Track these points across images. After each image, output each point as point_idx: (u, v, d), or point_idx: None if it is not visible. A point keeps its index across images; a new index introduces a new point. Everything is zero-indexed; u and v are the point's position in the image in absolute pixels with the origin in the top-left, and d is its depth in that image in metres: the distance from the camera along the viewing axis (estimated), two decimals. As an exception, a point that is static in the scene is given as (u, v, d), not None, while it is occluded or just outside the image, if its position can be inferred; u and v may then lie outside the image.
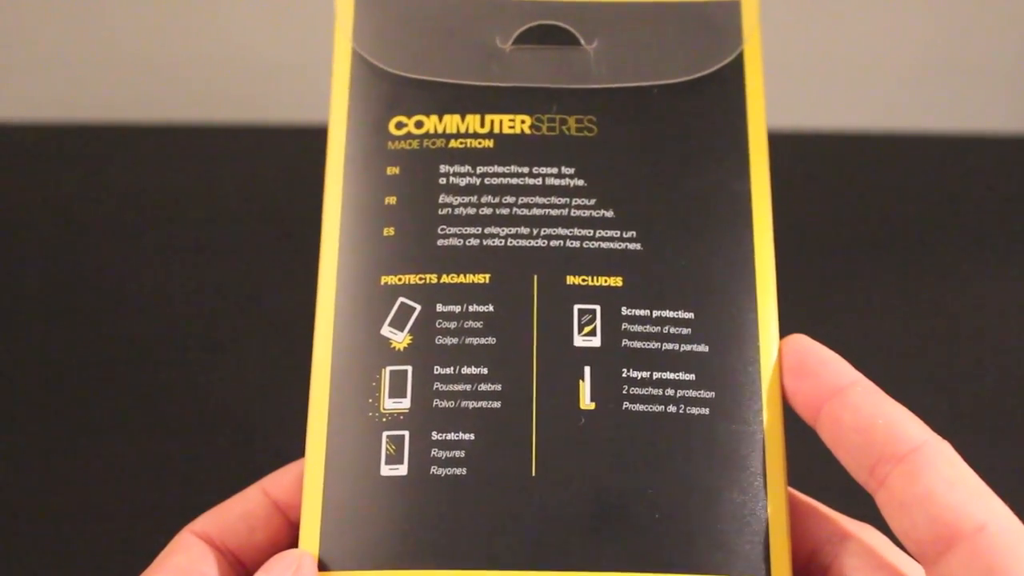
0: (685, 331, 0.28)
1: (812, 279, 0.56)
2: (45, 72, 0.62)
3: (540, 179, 0.29)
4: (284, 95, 0.62)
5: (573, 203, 0.29)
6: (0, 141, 0.61)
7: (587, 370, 0.27)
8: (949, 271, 0.57)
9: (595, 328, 0.28)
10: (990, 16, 0.62)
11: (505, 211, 0.29)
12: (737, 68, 0.30)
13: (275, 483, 0.29)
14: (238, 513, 0.28)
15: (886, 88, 0.64)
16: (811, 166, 0.62)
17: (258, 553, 0.28)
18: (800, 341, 0.27)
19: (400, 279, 0.28)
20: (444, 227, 0.29)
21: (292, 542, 0.28)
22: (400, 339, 0.28)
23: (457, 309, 0.28)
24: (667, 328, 0.28)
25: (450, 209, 0.29)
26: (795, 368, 0.27)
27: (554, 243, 0.29)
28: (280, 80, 0.62)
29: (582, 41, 0.31)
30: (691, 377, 0.28)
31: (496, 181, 0.29)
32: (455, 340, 0.28)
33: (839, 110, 0.64)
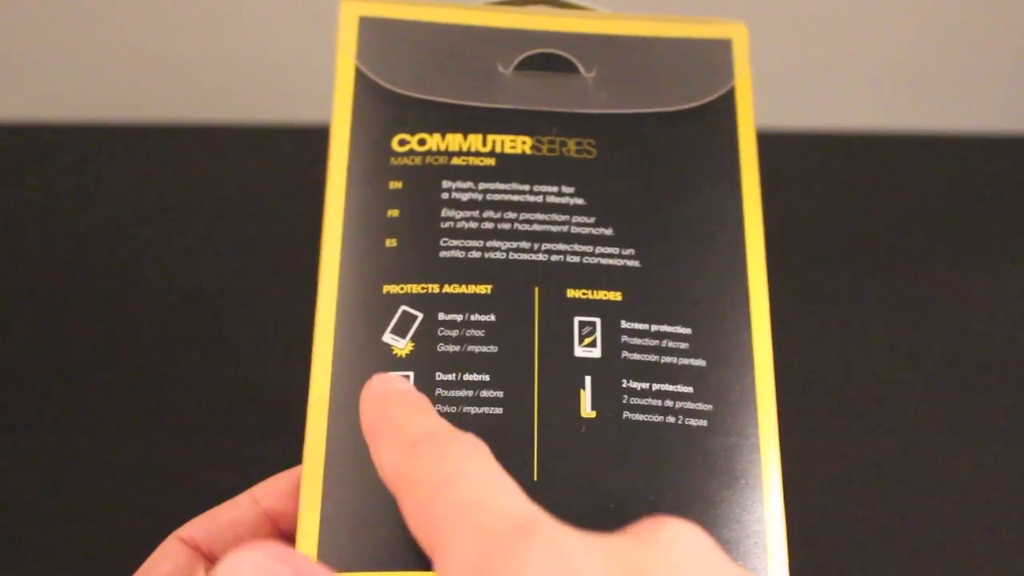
0: (683, 345, 0.29)
1: (809, 280, 0.56)
2: (45, 72, 0.62)
3: (541, 196, 0.30)
4: (284, 95, 0.62)
5: (573, 220, 0.30)
6: (0, 141, 0.61)
7: (588, 379, 0.28)
8: (947, 271, 0.57)
9: (595, 339, 0.28)
10: (989, 16, 0.62)
11: (506, 226, 0.30)
12: (729, 100, 0.32)
13: (267, 491, 0.29)
14: (226, 521, 0.28)
15: (885, 88, 0.64)
16: (808, 166, 0.62)
17: None
18: None
19: (402, 288, 0.29)
20: (446, 239, 0.29)
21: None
22: (402, 346, 0.28)
23: (459, 318, 0.28)
24: (665, 342, 0.29)
25: (452, 223, 0.30)
26: None
27: (555, 258, 0.29)
28: (280, 80, 0.62)
29: (581, 69, 0.32)
30: (689, 390, 0.28)
31: (498, 197, 0.30)
32: (457, 348, 0.28)
33: (836, 110, 0.64)
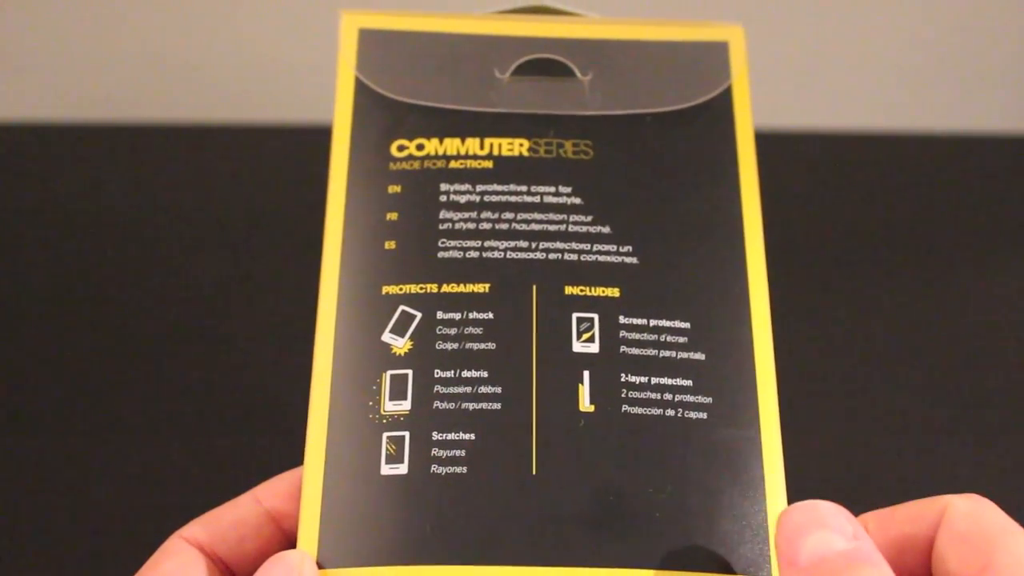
0: (682, 340, 0.29)
1: (810, 280, 0.56)
2: (45, 72, 0.62)
3: (538, 197, 0.31)
4: (284, 95, 0.62)
5: (571, 219, 0.30)
6: (0, 141, 0.61)
7: (586, 374, 0.28)
8: (948, 271, 0.57)
9: (593, 335, 0.29)
10: (990, 16, 0.62)
11: (504, 226, 0.30)
12: (726, 100, 0.32)
13: (268, 491, 0.29)
14: (229, 521, 0.28)
15: (885, 88, 0.64)
16: (808, 167, 0.62)
17: (249, 562, 0.28)
18: None
19: (401, 288, 0.29)
20: (444, 240, 0.30)
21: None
22: (400, 345, 0.29)
23: (457, 316, 0.29)
24: (664, 337, 0.29)
25: (451, 224, 0.30)
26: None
27: (552, 256, 0.30)
28: (280, 80, 0.62)
29: (577, 73, 0.32)
30: (688, 383, 0.28)
31: (495, 199, 0.30)
32: (455, 345, 0.29)
33: (836, 110, 0.64)
